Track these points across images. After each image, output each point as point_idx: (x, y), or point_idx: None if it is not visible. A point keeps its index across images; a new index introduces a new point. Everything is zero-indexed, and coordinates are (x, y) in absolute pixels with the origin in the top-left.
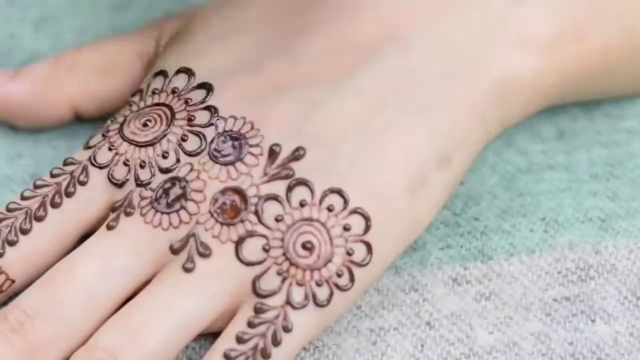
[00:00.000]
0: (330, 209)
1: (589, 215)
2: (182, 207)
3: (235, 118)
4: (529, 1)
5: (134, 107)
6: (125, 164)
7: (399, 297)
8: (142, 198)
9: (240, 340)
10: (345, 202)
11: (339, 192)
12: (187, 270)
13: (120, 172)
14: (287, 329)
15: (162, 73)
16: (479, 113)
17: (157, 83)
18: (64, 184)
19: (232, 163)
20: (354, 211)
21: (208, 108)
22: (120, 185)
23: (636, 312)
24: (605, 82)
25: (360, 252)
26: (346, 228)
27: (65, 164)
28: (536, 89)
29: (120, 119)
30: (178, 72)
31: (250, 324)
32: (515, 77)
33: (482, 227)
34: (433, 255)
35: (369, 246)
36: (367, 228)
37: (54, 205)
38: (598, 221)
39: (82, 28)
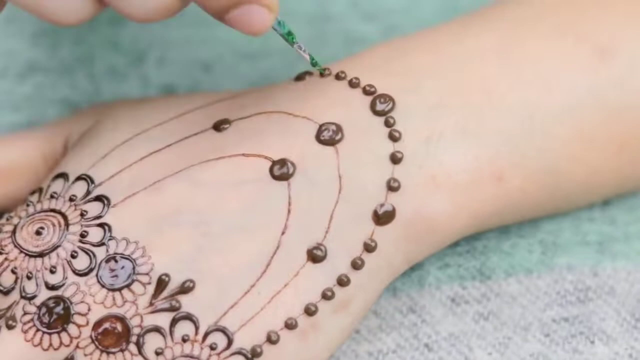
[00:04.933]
0: (212, 347)
1: (587, 239)
2: (64, 329)
3: (127, 241)
4: (444, 140)
5: (31, 209)
6: (13, 271)
7: (397, 320)
8: (26, 313)
9: None
10: (230, 341)
11: (224, 331)
12: None
13: (7, 280)
14: None
15: (63, 176)
16: (384, 255)
17: (57, 186)
18: None
19: (119, 289)
20: (238, 352)
21: (102, 225)
22: (5, 292)
23: (635, 333)
24: (524, 215)
25: None
26: None
27: None
28: (448, 230)
29: (15, 220)
30: (78, 178)
31: None
32: (425, 220)
33: (481, 247)
34: (431, 274)
35: None
36: None
37: None
38: (596, 244)
39: (79, 40)
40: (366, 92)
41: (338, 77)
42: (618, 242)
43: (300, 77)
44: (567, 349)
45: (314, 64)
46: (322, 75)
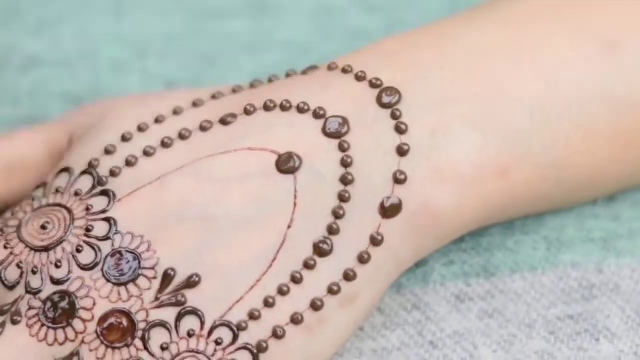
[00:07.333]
0: (218, 342)
1: (592, 236)
2: (69, 324)
3: (133, 235)
4: (450, 133)
5: (36, 203)
6: (18, 266)
7: (402, 317)
8: (31, 307)
9: None
10: (235, 336)
11: (229, 326)
12: None
13: (12, 274)
14: None
15: (68, 170)
16: (391, 249)
17: (62, 181)
18: None
19: (124, 284)
20: (243, 347)
21: (108, 220)
22: (10, 287)
23: None
24: (528, 210)
25: None
26: None
27: None
28: (453, 223)
29: (21, 215)
30: (84, 172)
31: None
32: (431, 213)
33: (486, 244)
34: (436, 271)
35: None
36: None
37: None
38: (601, 241)
39: (81, 33)
40: (372, 85)
41: (344, 70)
42: (623, 238)
43: (306, 71)
44: (572, 347)
45: None
46: (329, 69)
